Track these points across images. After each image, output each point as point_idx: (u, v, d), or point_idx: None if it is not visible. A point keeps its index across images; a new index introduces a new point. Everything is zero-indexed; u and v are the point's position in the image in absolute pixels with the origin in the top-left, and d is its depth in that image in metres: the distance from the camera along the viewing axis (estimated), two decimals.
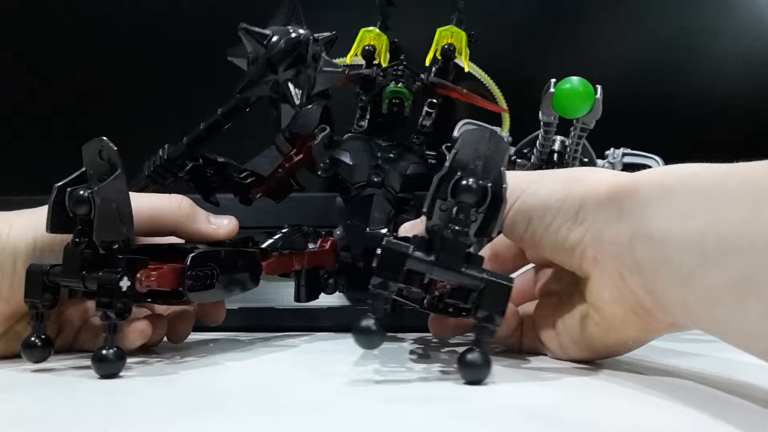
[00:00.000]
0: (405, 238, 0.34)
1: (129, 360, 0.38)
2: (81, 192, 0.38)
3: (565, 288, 0.40)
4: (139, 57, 0.70)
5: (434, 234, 0.34)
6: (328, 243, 0.52)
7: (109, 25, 0.71)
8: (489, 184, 0.33)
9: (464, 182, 0.33)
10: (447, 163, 0.34)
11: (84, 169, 0.39)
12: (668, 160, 0.53)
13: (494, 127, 0.52)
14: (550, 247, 0.38)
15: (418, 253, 0.33)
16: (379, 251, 0.33)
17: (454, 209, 0.33)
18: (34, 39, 0.71)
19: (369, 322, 0.32)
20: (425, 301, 0.37)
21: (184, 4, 0.71)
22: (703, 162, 0.33)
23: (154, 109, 0.70)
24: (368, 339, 0.32)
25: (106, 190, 0.38)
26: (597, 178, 0.37)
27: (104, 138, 0.39)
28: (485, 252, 0.44)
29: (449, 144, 0.56)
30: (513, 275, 0.40)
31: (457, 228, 0.33)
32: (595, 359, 0.40)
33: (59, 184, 0.39)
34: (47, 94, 0.72)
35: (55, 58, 0.71)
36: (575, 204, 0.37)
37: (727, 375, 0.36)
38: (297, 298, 0.51)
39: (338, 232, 0.53)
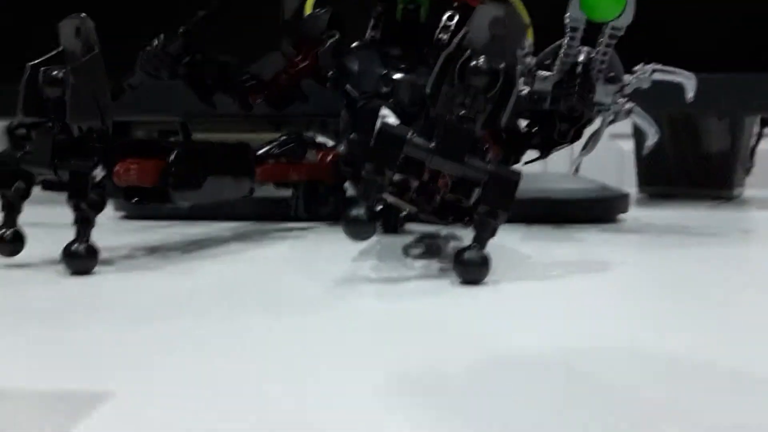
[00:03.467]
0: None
1: (112, 254, 0.36)
2: (54, 72, 0.35)
3: None
4: None
5: (437, 122, 0.30)
6: (330, 156, 0.48)
7: None
8: (502, 67, 0.29)
9: (474, 63, 0.29)
10: (456, 41, 0.30)
11: (60, 48, 0.36)
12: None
13: None
14: None
15: (417, 139, 0.30)
16: (375, 134, 0.29)
17: (461, 93, 0.29)
18: None
19: (359, 211, 0.29)
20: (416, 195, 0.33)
21: None
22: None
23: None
24: (357, 229, 0.29)
25: (81, 70, 0.34)
26: None
27: (82, 14, 0.35)
28: None
29: None
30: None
31: (462, 113, 0.29)
32: None
33: (32, 63, 0.36)
34: None
35: None
36: None
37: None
38: (294, 213, 0.48)
39: (342, 147, 0.50)
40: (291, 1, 0.42)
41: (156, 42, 0.44)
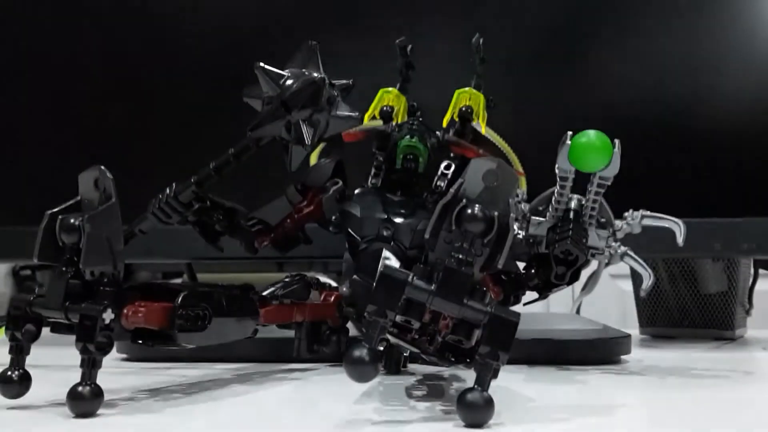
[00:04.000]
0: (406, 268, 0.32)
1: (113, 396, 0.36)
2: (72, 220, 0.37)
3: None
4: (153, 92, 0.70)
5: (437, 265, 0.31)
6: (333, 297, 0.49)
7: (125, 60, 0.71)
8: (496, 213, 0.31)
9: (469, 210, 0.31)
10: (452, 191, 0.32)
11: (79, 198, 0.38)
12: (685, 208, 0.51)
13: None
14: None
15: (418, 281, 0.31)
16: (377, 277, 0.31)
17: (459, 238, 0.31)
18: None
19: (362, 352, 0.29)
20: (418, 336, 0.34)
21: (201, 43, 0.70)
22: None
23: (165, 146, 0.69)
24: (360, 371, 0.29)
25: (97, 219, 0.36)
26: None
27: (101, 167, 0.37)
28: None
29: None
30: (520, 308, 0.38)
31: (460, 257, 0.31)
32: None
33: (51, 211, 0.38)
34: (58, 123, 0.71)
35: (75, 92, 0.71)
36: None
37: None
38: (296, 353, 0.48)
39: (345, 288, 0.51)
40: (298, 152, 0.45)
41: (168, 190, 0.46)
